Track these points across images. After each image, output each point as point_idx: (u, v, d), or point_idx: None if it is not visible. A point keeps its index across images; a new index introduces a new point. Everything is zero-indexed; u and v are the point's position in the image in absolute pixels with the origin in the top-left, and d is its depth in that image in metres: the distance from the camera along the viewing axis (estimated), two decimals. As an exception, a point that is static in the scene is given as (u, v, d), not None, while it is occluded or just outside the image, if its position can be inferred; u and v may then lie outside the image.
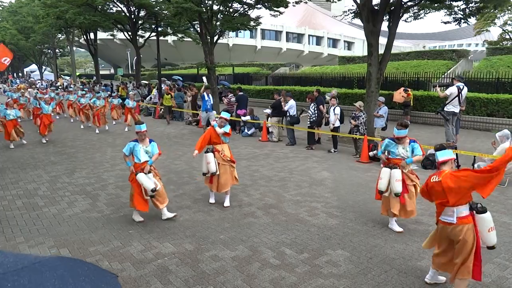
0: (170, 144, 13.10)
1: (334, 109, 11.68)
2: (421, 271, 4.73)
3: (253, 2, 18.34)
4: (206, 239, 5.66)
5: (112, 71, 79.06)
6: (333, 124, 11.57)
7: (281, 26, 64.45)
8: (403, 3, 12.33)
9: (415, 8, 13.61)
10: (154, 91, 21.26)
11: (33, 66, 66.56)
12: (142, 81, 28.44)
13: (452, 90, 11.04)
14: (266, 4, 18.24)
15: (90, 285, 1.07)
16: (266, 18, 20.98)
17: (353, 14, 14.46)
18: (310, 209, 6.85)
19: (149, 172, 6.24)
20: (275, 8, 18.58)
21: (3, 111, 12.34)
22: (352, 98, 18.79)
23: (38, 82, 42.16)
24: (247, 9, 18.82)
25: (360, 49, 67.75)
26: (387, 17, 12.59)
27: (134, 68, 57.45)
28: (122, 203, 7.34)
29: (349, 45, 75.19)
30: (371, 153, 10.26)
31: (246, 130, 14.60)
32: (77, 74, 55.35)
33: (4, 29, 49.76)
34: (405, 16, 13.83)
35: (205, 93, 14.47)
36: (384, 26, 12.49)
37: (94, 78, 40.39)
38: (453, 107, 11.03)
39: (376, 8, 12.13)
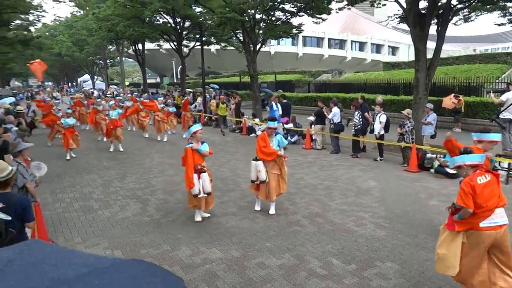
0: (215, 151, 13.26)
1: (379, 117, 11.41)
2: None
3: (295, 10, 18.40)
4: (252, 246, 5.70)
5: (158, 80, 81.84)
6: (378, 132, 11.31)
7: (322, 33, 64.01)
8: (452, 6, 11.89)
9: (465, 10, 13.07)
10: (199, 99, 21.75)
11: (86, 76, 70.38)
12: (186, 89, 29.22)
13: (508, 96, 10.46)
14: (308, 11, 18.23)
15: (163, 286, 1.13)
16: (308, 25, 20.92)
17: (399, 19, 14.11)
18: (357, 219, 6.72)
19: (204, 172, 6.50)
20: (317, 15, 18.53)
21: (63, 119, 12.95)
22: (398, 105, 18.28)
23: (91, 90, 44.49)
24: (289, 17, 18.90)
25: (405, 54, 65.79)
26: (435, 20, 12.18)
27: (179, 76, 59.22)
28: (171, 208, 7.56)
29: (393, 50, 73.27)
30: (437, 162, 9.78)
31: (289, 138, 14.57)
32: (126, 83, 57.78)
33: (61, 42, 53.05)
34: (455, 19, 13.32)
35: (273, 103, 13.75)
36: (432, 30, 12.08)
37: (142, 87, 42.05)
38: (509, 114, 10.44)
39: (423, 12, 11.77)
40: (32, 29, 30.76)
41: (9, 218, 3.16)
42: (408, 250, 5.49)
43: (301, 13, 18.44)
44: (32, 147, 6.41)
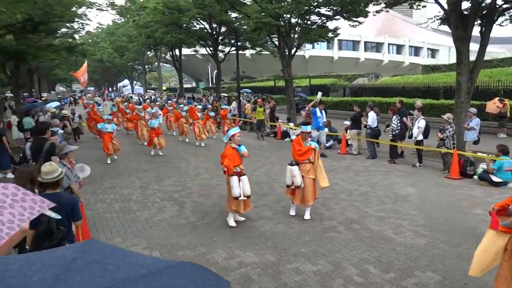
0: (250, 155, 13.39)
1: (418, 122, 11.08)
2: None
3: (331, 14, 18.25)
4: (287, 251, 5.68)
5: (194, 84, 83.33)
6: (416, 138, 10.98)
7: (358, 36, 63.01)
8: (497, 6, 11.38)
9: (511, 10, 12.48)
10: (234, 104, 21.97)
11: (125, 81, 73.03)
12: (221, 94, 29.61)
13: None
14: (344, 15, 18.03)
15: None
16: (344, 28, 20.68)
17: (439, 21, 13.66)
18: (395, 227, 6.54)
19: (244, 174, 6.57)
20: (354, 19, 18.29)
21: (102, 124, 13.38)
22: (438, 109, 17.68)
23: (130, 95, 45.97)
24: (325, 21, 18.76)
25: (446, 56, 63.54)
26: (479, 21, 11.70)
27: (214, 81, 60.03)
28: (207, 211, 7.66)
29: (433, 52, 70.97)
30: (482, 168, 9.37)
31: (324, 142, 14.41)
32: (163, 88, 59.33)
33: (102, 48, 55.31)
34: (500, 19, 12.74)
35: (317, 109, 12.96)
36: (475, 31, 11.61)
37: (178, 91, 43.01)
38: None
39: (466, 12, 11.35)
40: (76, 36, 32.18)
41: (60, 217, 3.31)
42: (449, 260, 5.28)
43: (337, 17, 18.26)
44: (75, 150, 6.69)
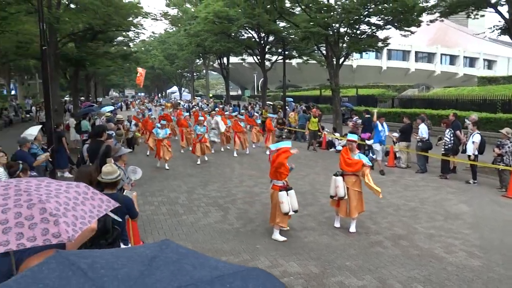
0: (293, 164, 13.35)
1: (473, 136, 10.54)
2: None
3: (381, 23, 17.88)
4: (331, 264, 5.58)
5: (240, 92, 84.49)
6: (472, 154, 10.43)
7: (409, 46, 61.11)
8: None
9: None
10: (281, 112, 21.98)
11: (174, 88, 75.46)
12: (267, 102, 29.79)
13: None
14: (396, 24, 17.60)
15: None
16: (394, 38, 20.16)
17: (499, 31, 13.00)
18: (446, 245, 6.23)
19: (291, 189, 6.51)
20: (406, 28, 17.80)
21: (155, 130, 13.65)
22: (495, 123, 16.72)
23: (178, 101, 47.43)
24: (375, 30, 18.41)
25: (504, 68, 60.07)
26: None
27: (259, 89, 60.51)
28: (250, 218, 7.72)
29: (490, 63, 67.35)
30: None
31: (370, 154, 14.06)
32: (209, 95, 60.64)
33: (154, 56, 57.62)
34: None
35: (378, 122, 12.27)
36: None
37: (224, 99, 43.79)
38: None
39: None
40: (131, 44, 33.80)
41: (120, 219, 3.47)
42: (507, 285, 4.95)
43: (388, 26, 17.87)
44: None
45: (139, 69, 30.32)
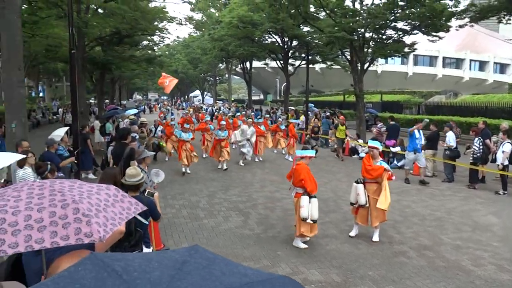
0: (315, 170, 13.23)
1: (503, 145, 10.23)
2: None
3: (408, 28, 17.62)
4: (354, 273, 5.51)
5: (262, 96, 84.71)
6: (502, 163, 10.12)
7: (436, 51, 59.90)
8: None
9: None
10: (302, 117, 21.86)
11: (196, 92, 76.44)
12: (289, 107, 29.73)
13: None
14: (423, 29, 17.31)
15: None
16: (421, 43, 19.81)
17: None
18: (475, 258, 6.05)
19: (315, 197, 6.44)
20: (433, 33, 17.49)
21: (179, 132, 13.73)
22: (527, 132, 16.14)
23: (201, 105, 47.92)
24: (401, 35, 18.16)
25: (537, 74, 58.13)
26: None
27: (282, 94, 60.47)
28: (271, 224, 7.71)
29: (521, 70, 65.26)
30: None
31: (395, 162, 13.86)
32: (231, 99, 61.03)
33: (178, 60, 58.55)
34: None
35: (416, 130, 11.64)
36: None
37: (246, 103, 43.97)
38: None
39: None
40: (155, 48, 34.46)
41: (147, 222, 3.54)
42: (539, 302, 4.77)
43: (415, 31, 17.59)
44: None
45: (170, 78, 30.65)
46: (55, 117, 32.51)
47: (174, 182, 11.42)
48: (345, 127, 16.58)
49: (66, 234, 1.80)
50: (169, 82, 23.79)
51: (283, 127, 16.89)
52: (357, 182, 6.86)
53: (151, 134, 14.37)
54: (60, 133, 9.82)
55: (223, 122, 14.84)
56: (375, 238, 6.76)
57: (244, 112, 22.63)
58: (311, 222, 6.32)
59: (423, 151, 12.90)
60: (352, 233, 7.01)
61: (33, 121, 27.25)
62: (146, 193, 4.71)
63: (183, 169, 12.62)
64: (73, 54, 9.78)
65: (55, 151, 8.51)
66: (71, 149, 9.96)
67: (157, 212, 4.26)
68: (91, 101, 47.19)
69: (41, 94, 44.64)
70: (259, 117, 19.90)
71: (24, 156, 6.40)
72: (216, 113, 32.03)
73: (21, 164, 6.38)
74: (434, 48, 56.77)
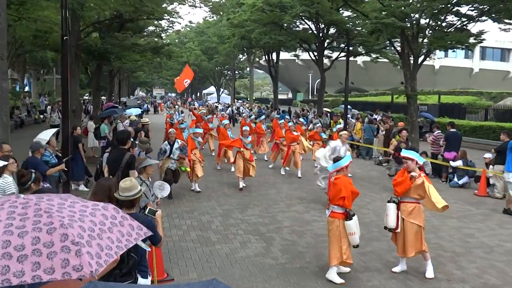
0: (356, 187, 13.10)
1: None
2: None
3: (474, 14, 17.31)
4: (401, 317, 5.39)
5: (290, 95, 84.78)
6: None
7: (510, 43, 58.73)
8: None
9: None
10: (341, 121, 21.58)
11: (211, 88, 76.99)
12: (324, 109, 29.63)
13: None
14: (494, 15, 16.97)
15: None
16: (490, 32, 19.41)
17: None
18: (557, 304, 5.84)
19: (353, 215, 6.41)
20: (506, 20, 17.12)
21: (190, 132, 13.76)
22: None
23: (215, 104, 48.36)
24: (465, 22, 17.86)
25: None
26: None
27: (315, 93, 60.20)
28: (299, 252, 7.67)
29: None
30: None
31: (455, 179, 13.59)
32: (253, 98, 61.31)
33: (190, 49, 59.37)
34: None
35: None
36: None
37: (271, 103, 44.06)
38: None
39: None
40: (163, 35, 35.04)
41: (149, 248, 3.53)
42: None
43: (483, 18, 17.26)
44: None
45: (188, 71, 30.90)
46: (42, 116, 33.17)
47: (182, 198, 11.51)
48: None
49: (51, 266, 1.78)
50: (185, 81, 23.76)
51: (324, 135, 16.35)
52: (389, 201, 6.79)
53: (163, 153, 12.39)
54: (45, 136, 9.90)
55: (246, 128, 13.89)
56: (429, 274, 6.60)
57: (285, 118, 20.57)
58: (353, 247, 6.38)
59: (490, 166, 12.64)
60: (397, 269, 6.85)
61: (16, 120, 27.83)
62: (147, 210, 4.73)
63: (196, 187, 12.39)
64: (65, 41, 10.03)
65: (41, 157, 8.70)
66: (60, 155, 10.14)
67: (157, 235, 4.25)
68: (85, 97, 48.33)
69: (26, 89, 45.86)
70: (284, 120, 19.31)
71: (5, 162, 6.55)
72: (237, 115, 31.74)
73: (0, 171, 6.52)
74: (507, 39, 55.59)
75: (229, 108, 40.51)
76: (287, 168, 15.22)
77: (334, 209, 6.48)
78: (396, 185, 6.76)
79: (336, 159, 7.27)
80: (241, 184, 12.71)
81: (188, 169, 11.85)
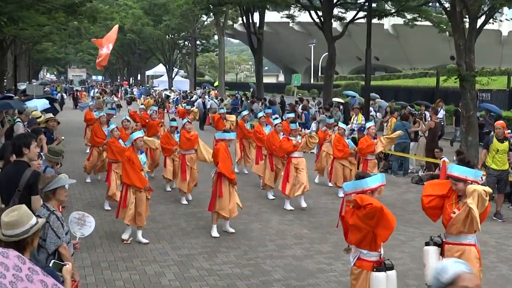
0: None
1: None
2: None
3: None
4: None
5: (282, 78, 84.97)
6: None
7: None
8: None
9: None
10: (361, 118, 21.66)
11: (159, 68, 76.32)
12: (334, 99, 29.76)
13: None
14: None
15: None
16: None
17: None
18: None
19: (390, 268, 6.53)
20: None
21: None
22: None
23: (165, 93, 48.18)
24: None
25: None
26: None
27: (320, 73, 60.22)
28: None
29: None
30: None
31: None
32: (217, 82, 61.05)
33: (125, 7, 58.92)
34: None
35: None
36: None
37: (252, 89, 43.97)
38: None
39: None
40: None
41: None
42: None
43: None
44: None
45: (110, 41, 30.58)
46: None
47: (114, 235, 11.39)
48: (508, 142, 14.45)
49: None
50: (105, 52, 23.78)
51: (349, 142, 15.82)
52: (427, 243, 6.93)
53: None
54: None
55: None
56: None
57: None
58: None
59: None
60: None
61: None
62: (51, 263, 4.69)
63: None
64: None
65: None
66: None
67: None
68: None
69: None
70: (276, 117, 19.53)
71: None
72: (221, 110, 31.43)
73: None
74: None
75: (199, 100, 37.90)
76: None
77: (362, 254, 6.41)
78: (429, 209, 7.02)
79: (360, 176, 6.92)
80: (289, 207, 13.83)
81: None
